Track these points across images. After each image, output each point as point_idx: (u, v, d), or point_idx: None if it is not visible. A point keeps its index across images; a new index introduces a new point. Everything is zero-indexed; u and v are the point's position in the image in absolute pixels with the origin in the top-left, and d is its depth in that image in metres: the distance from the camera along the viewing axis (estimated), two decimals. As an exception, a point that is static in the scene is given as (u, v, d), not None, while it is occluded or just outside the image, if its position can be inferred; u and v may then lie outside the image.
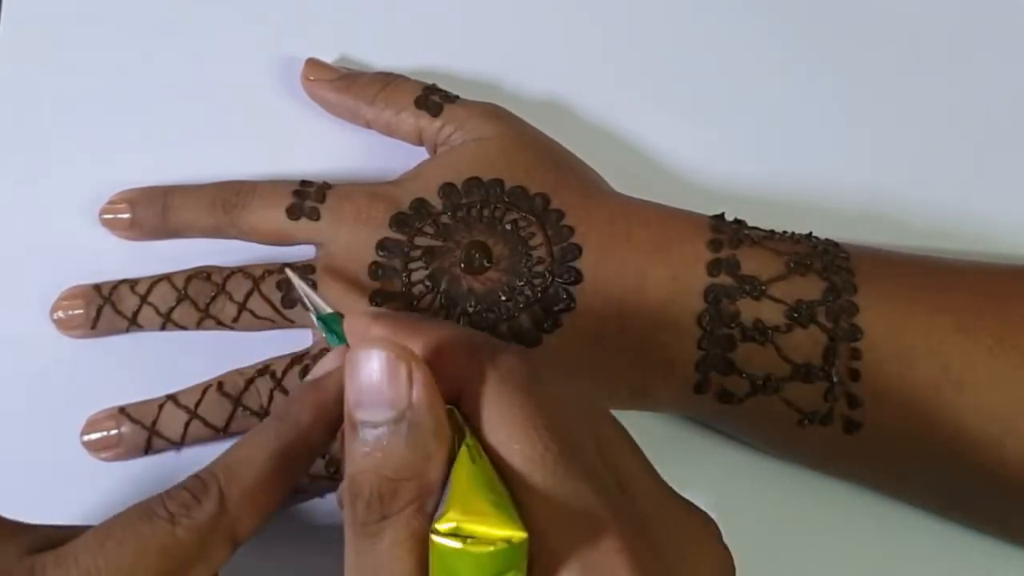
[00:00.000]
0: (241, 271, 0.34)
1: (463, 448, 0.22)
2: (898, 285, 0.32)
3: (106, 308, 0.34)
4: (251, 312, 0.34)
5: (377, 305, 0.33)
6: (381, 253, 0.33)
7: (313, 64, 0.37)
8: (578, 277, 0.32)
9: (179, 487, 0.24)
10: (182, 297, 0.34)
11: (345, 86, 0.36)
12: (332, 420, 0.25)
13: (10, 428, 0.35)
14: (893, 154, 0.38)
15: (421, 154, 0.36)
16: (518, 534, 0.20)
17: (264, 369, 0.33)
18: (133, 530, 0.23)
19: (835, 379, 0.30)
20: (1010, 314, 0.31)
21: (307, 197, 0.34)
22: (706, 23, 0.40)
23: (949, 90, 0.39)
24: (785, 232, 0.33)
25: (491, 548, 0.20)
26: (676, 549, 0.23)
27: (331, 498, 0.34)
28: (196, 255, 0.35)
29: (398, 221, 0.33)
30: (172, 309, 0.34)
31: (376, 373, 0.21)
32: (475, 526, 0.20)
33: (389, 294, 0.33)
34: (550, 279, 0.32)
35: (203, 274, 0.34)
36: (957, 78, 0.39)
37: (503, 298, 0.32)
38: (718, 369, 0.31)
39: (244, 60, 0.39)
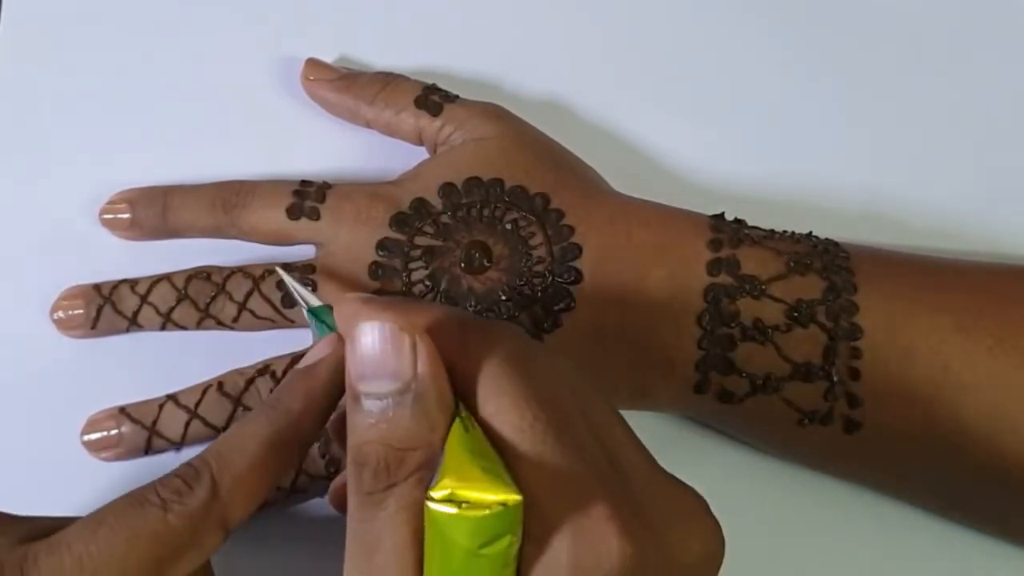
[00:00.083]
0: (241, 271, 0.34)
1: (456, 420, 0.22)
2: (898, 285, 0.32)
3: (106, 308, 0.34)
4: (251, 312, 0.34)
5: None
6: (381, 253, 0.33)
7: (313, 64, 0.37)
8: (578, 277, 0.32)
9: (171, 475, 0.24)
10: (182, 297, 0.34)
11: (345, 86, 0.36)
12: (323, 407, 0.26)
13: (10, 428, 0.35)
14: (893, 154, 0.38)
15: (421, 154, 0.36)
16: (513, 497, 0.20)
17: (264, 369, 0.33)
18: (125, 517, 0.23)
19: (835, 378, 0.30)
20: (1010, 314, 0.31)
21: (307, 197, 0.34)
22: (706, 23, 0.40)
23: (949, 90, 0.39)
24: (785, 232, 0.33)
25: (486, 512, 0.20)
26: (665, 519, 0.23)
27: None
28: (196, 255, 0.35)
29: (398, 221, 0.33)
30: (172, 309, 0.34)
31: (379, 345, 0.22)
32: (470, 491, 0.20)
33: (389, 294, 0.33)
34: (550, 279, 0.32)
35: (203, 274, 0.34)
36: (957, 78, 0.39)
37: (503, 298, 0.32)
38: (718, 369, 0.31)
39: (244, 60, 0.39)
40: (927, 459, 0.31)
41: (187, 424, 0.33)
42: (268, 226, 0.34)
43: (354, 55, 0.39)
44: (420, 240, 0.33)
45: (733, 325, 0.31)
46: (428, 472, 0.22)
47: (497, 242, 0.33)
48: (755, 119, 0.39)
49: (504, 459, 0.21)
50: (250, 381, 0.33)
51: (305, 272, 0.34)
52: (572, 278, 0.32)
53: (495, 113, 0.35)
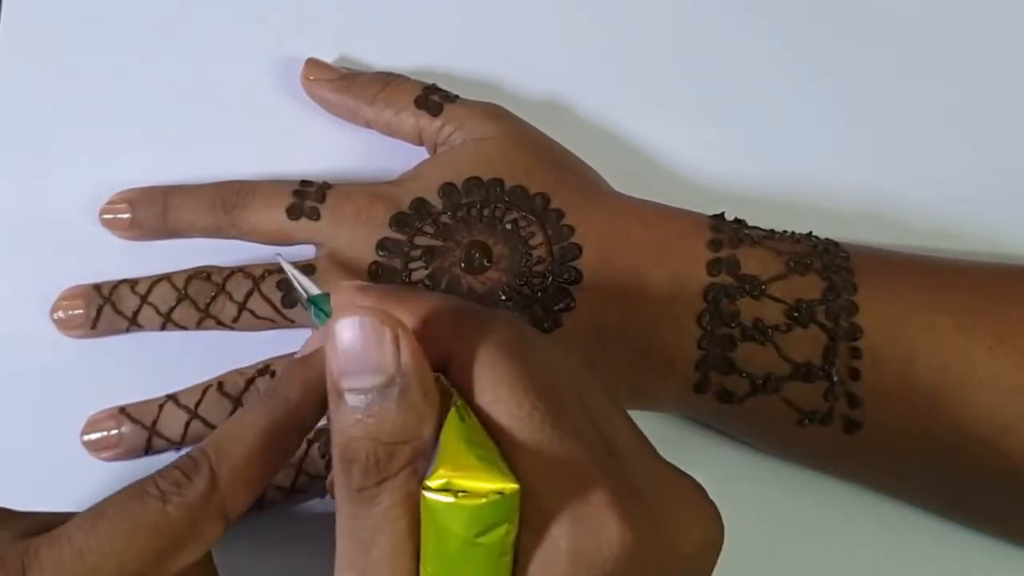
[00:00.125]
0: (241, 271, 0.34)
1: (452, 410, 0.22)
2: (898, 284, 0.32)
3: (106, 308, 0.34)
4: (251, 312, 0.34)
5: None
6: (381, 253, 0.33)
7: (313, 64, 0.37)
8: (578, 277, 0.32)
9: (170, 466, 0.24)
10: (182, 297, 0.34)
11: (345, 86, 0.36)
12: (321, 396, 0.25)
13: (10, 428, 0.35)
14: (893, 154, 0.38)
15: (421, 154, 0.36)
16: (510, 486, 0.20)
17: (264, 369, 0.33)
18: (125, 510, 0.23)
19: (835, 378, 0.30)
20: (1010, 314, 0.31)
21: (307, 197, 0.34)
22: (706, 23, 0.40)
23: (949, 90, 0.39)
24: (785, 232, 0.33)
25: (483, 501, 0.20)
26: (664, 505, 0.23)
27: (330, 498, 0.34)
28: (196, 255, 0.35)
29: (398, 221, 0.33)
30: (172, 309, 0.34)
31: (360, 340, 0.21)
32: (466, 480, 0.20)
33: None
34: (550, 279, 0.32)
35: (203, 274, 0.34)
36: (957, 78, 0.39)
37: (503, 298, 0.32)
38: (718, 369, 0.31)
39: (244, 60, 0.39)
40: (927, 459, 0.31)
41: (187, 424, 0.33)
42: (268, 226, 0.34)
43: (354, 55, 0.39)
44: (420, 240, 0.33)
45: (733, 325, 0.31)
46: (420, 464, 0.21)
47: (497, 242, 0.33)
48: (755, 119, 0.39)
49: (501, 447, 0.21)
50: (250, 381, 0.33)
51: (305, 272, 0.34)
52: (572, 278, 0.32)
53: (495, 113, 0.35)
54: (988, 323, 0.31)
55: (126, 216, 0.35)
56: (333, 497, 0.29)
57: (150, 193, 0.36)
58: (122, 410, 0.33)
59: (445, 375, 0.23)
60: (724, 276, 0.32)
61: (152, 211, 0.35)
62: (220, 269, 0.35)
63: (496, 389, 0.22)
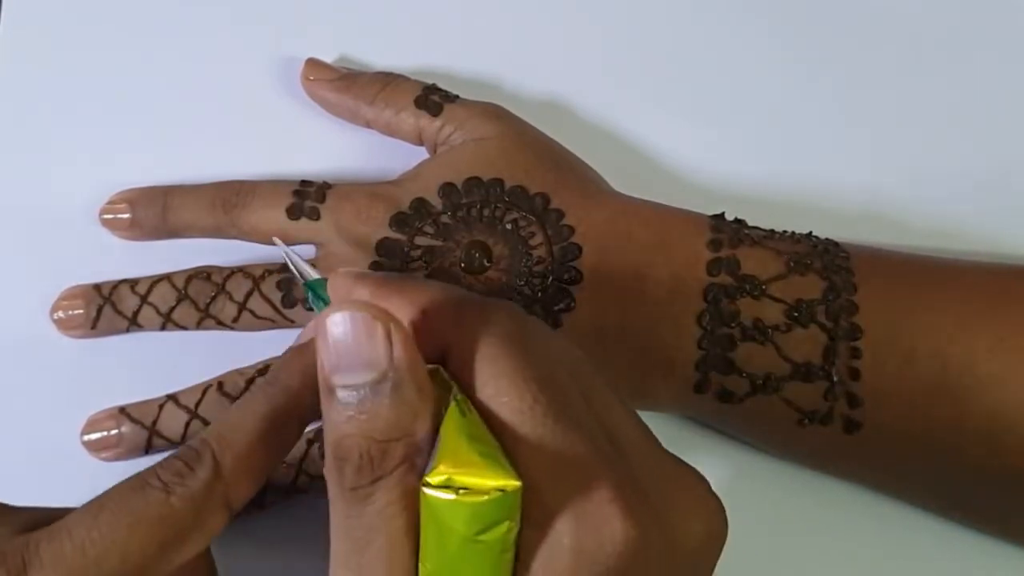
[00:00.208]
0: (241, 271, 0.34)
1: (452, 404, 0.22)
2: (898, 285, 0.32)
3: (106, 308, 0.34)
4: (251, 312, 0.34)
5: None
6: (381, 253, 0.33)
7: (313, 64, 0.37)
8: (578, 277, 0.32)
9: (172, 456, 0.24)
10: (182, 297, 0.34)
11: (345, 86, 0.36)
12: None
13: (10, 428, 0.35)
14: (893, 154, 0.38)
15: (421, 154, 0.36)
16: (512, 483, 0.20)
17: (264, 369, 0.33)
18: (127, 501, 0.23)
19: (835, 378, 0.30)
20: (1010, 314, 0.31)
21: (307, 197, 0.34)
22: (706, 23, 0.40)
23: (949, 90, 0.39)
24: (785, 232, 0.33)
25: (485, 497, 0.20)
26: (667, 498, 0.23)
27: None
28: (196, 255, 0.35)
29: (398, 221, 0.33)
30: (172, 309, 0.34)
31: (352, 335, 0.21)
32: (467, 477, 0.20)
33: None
34: (550, 279, 0.32)
35: (203, 274, 0.34)
36: (957, 78, 0.39)
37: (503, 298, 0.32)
38: (718, 369, 0.31)
39: (244, 60, 0.39)
40: (927, 459, 0.31)
41: (187, 424, 0.33)
42: (268, 226, 0.34)
43: (354, 55, 0.39)
44: (420, 240, 0.33)
45: (733, 325, 0.31)
46: (416, 461, 0.21)
47: (497, 242, 0.33)
48: (755, 119, 0.39)
49: (503, 442, 0.21)
50: (250, 381, 0.33)
51: (305, 271, 0.34)
52: (572, 278, 0.32)
53: (495, 113, 0.35)
54: (988, 323, 0.31)
55: (126, 216, 0.35)
56: None
57: (150, 193, 0.36)
58: (122, 410, 0.33)
59: (445, 367, 0.23)
60: (724, 276, 0.32)
61: (152, 211, 0.35)
62: (220, 269, 0.35)
63: (497, 383, 0.22)
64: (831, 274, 0.31)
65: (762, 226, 0.34)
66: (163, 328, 0.34)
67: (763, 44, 0.40)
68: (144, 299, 0.34)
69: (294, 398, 0.24)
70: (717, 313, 0.31)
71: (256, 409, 0.24)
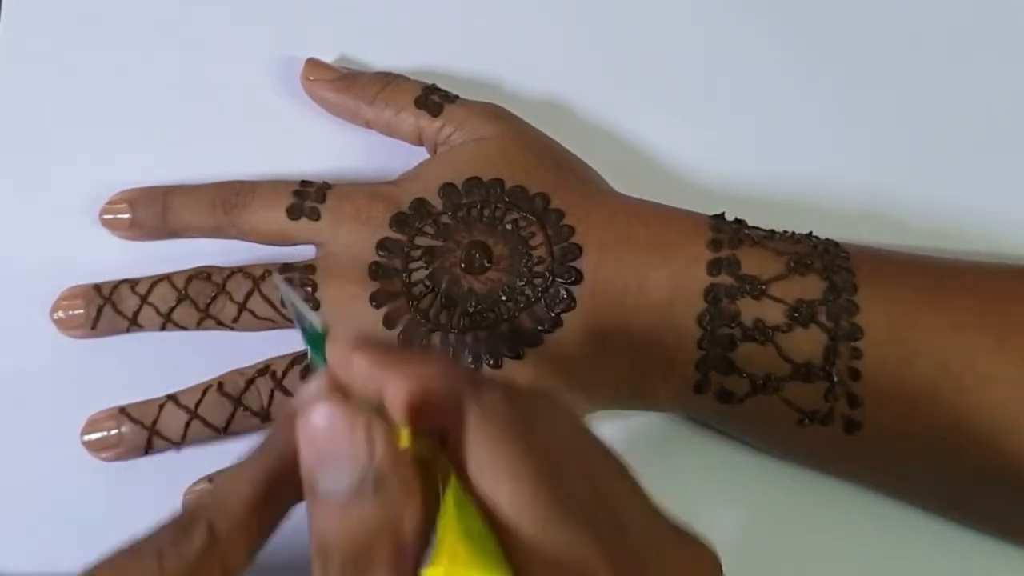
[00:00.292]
0: (241, 271, 0.34)
1: (448, 493, 0.21)
2: (898, 285, 0.32)
3: (106, 308, 0.34)
4: (251, 312, 0.34)
5: (377, 305, 0.33)
6: (381, 253, 0.33)
7: (313, 64, 0.37)
8: (578, 277, 0.32)
9: (166, 523, 0.23)
10: (182, 297, 0.34)
11: (345, 86, 0.36)
12: None
13: (10, 428, 0.35)
14: (893, 154, 0.38)
15: (421, 154, 0.36)
16: None
17: (264, 369, 0.33)
18: (120, 572, 0.23)
19: (835, 379, 0.30)
20: (1011, 313, 0.31)
21: (307, 197, 0.34)
22: (706, 23, 0.40)
23: (949, 90, 0.39)
24: (785, 232, 0.33)
25: None
26: (667, 572, 0.22)
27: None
28: (196, 255, 0.35)
29: (398, 221, 0.33)
30: (172, 309, 0.34)
31: (333, 431, 0.21)
32: (465, 574, 0.19)
33: (390, 294, 0.33)
34: (550, 279, 0.32)
35: (203, 274, 0.34)
36: (957, 78, 0.39)
37: (503, 298, 0.32)
38: (718, 369, 0.31)
39: (244, 60, 0.39)
40: (927, 459, 0.31)
41: (187, 424, 0.33)
42: (268, 226, 0.34)
43: (354, 55, 0.39)
44: (420, 240, 0.33)
45: (733, 325, 0.31)
46: (404, 558, 0.21)
47: (497, 242, 0.33)
48: (755, 119, 0.39)
49: (501, 535, 0.21)
50: (250, 381, 0.33)
51: (305, 272, 0.34)
52: (572, 278, 0.32)
53: (495, 113, 0.35)
54: (988, 323, 0.31)
55: (126, 216, 0.35)
56: None
57: (150, 193, 0.36)
58: (122, 410, 0.33)
59: (444, 445, 0.22)
60: (724, 276, 0.32)
61: (152, 211, 0.35)
62: (220, 269, 0.34)
63: (495, 472, 0.21)
64: (831, 274, 0.31)
65: (762, 226, 0.34)
66: (163, 328, 0.34)
67: (763, 44, 0.40)
68: (144, 299, 0.34)
69: (289, 463, 0.24)
70: (717, 313, 0.31)
71: (251, 474, 0.24)
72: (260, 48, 0.39)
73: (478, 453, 0.21)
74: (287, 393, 0.33)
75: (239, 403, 0.33)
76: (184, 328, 0.34)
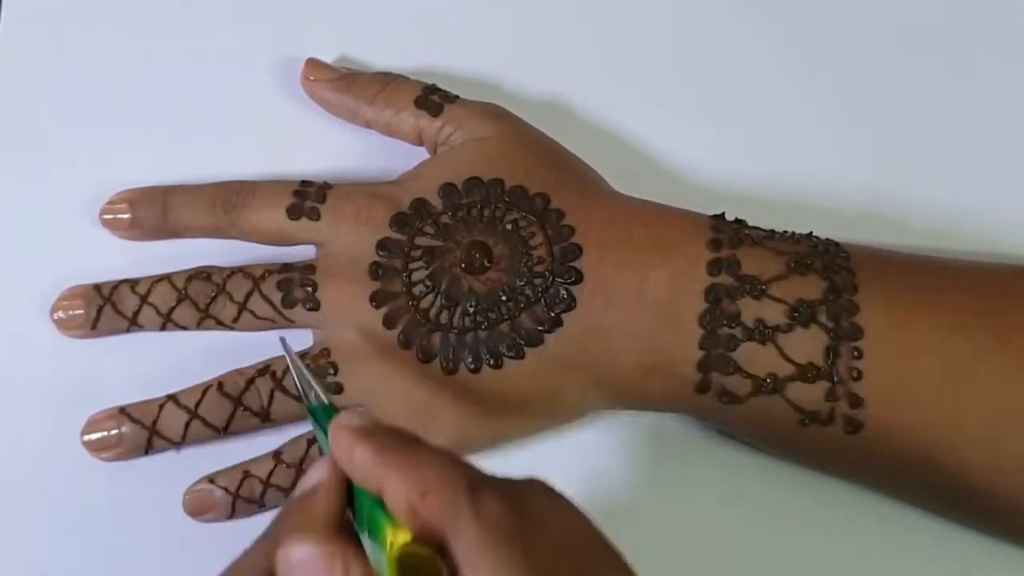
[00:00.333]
0: (241, 271, 0.34)
1: None
2: (899, 285, 0.32)
3: (106, 308, 0.34)
4: (251, 312, 0.34)
5: (377, 305, 0.33)
6: (381, 253, 0.33)
7: (313, 64, 0.37)
8: (578, 277, 0.32)
9: None
10: (182, 297, 0.34)
11: (345, 86, 0.36)
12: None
13: (10, 428, 0.35)
14: (893, 154, 0.38)
15: (421, 154, 0.36)
16: None
17: (264, 369, 0.33)
18: None
19: (836, 379, 0.30)
20: (1011, 313, 0.31)
21: (307, 197, 0.34)
22: (706, 23, 0.40)
23: (949, 90, 0.39)
24: (785, 232, 0.33)
25: None
26: None
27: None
28: (196, 255, 0.35)
29: (398, 221, 0.33)
30: (172, 309, 0.34)
31: (311, 568, 0.21)
32: None
33: (390, 294, 0.33)
34: (550, 279, 0.32)
35: (203, 274, 0.34)
36: (957, 78, 0.39)
37: (504, 298, 0.32)
38: (719, 369, 0.31)
39: (244, 60, 0.38)
40: (927, 459, 0.31)
41: (187, 424, 0.33)
42: (268, 226, 0.34)
43: (354, 55, 0.39)
44: (420, 240, 0.33)
45: (734, 325, 0.31)
46: None
47: (497, 242, 0.33)
48: (755, 119, 0.39)
49: None
50: (250, 381, 0.33)
51: (305, 272, 0.34)
52: (572, 278, 0.32)
53: (495, 113, 0.35)
54: (989, 322, 0.31)
55: (126, 216, 0.35)
56: None
57: (150, 193, 0.36)
58: (122, 410, 0.33)
59: (444, 551, 0.22)
60: (724, 276, 0.31)
61: (152, 211, 0.35)
62: (220, 269, 0.34)
63: None
64: (832, 274, 0.31)
65: (762, 226, 0.34)
66: (163, 328, 0.34)
67: (763, 44, 0.40)
68: (144, 299, 0.34)
69: None
70: (718, 313, 0.31)
71: (256, 567, 0.24)
72: (260, 48, 0.39)
73: (476, 566, 0.21)
74: (287, 393, 0.33)
75: (239, 403, 0.33)
76: (184, 328, 0.34)
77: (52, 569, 0.34)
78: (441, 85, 0.36)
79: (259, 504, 0.33)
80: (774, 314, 0.31)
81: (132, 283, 0.34)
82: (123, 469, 0.34)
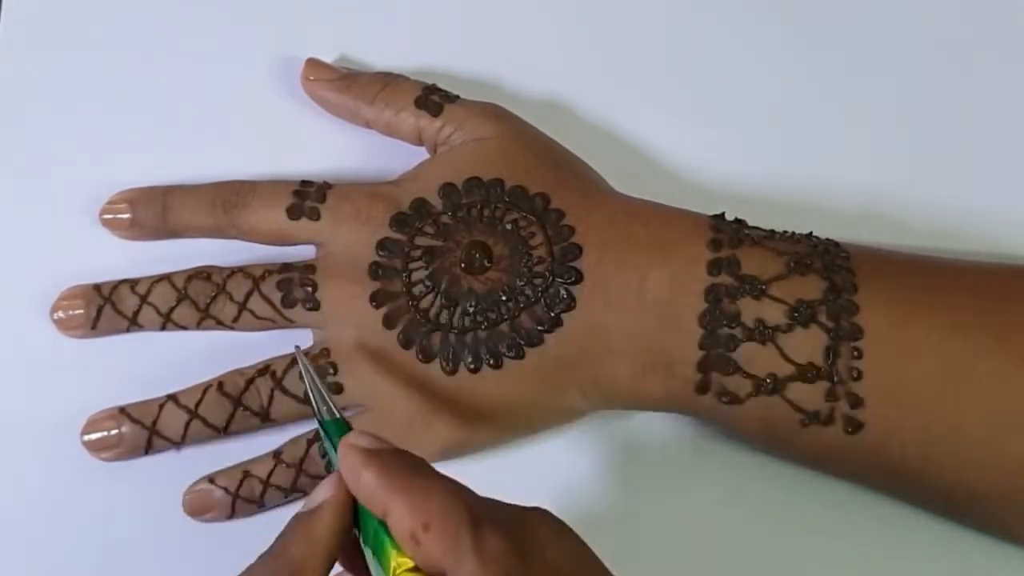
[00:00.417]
0: (241, 271, 0.34)
1: None
2: (899, 285, 0.32)
3: (106, 308, 0.34)
4: (251, 312, 0.34)
5: (377, 305, 0.33)
6: (381, 253, 0.33)
7: (313, 64, 0.37)
8: (578, 277, 0.32)
9: None
10: (182, 297, 0.34)
11: (345, 86, 0.36)
12: (328, 551, 0.24)
13: (10, 428, 0.35)
14: (893, 154, 0.38)
15: (421, 154, 0.36)
16: None
17: (264, 369, 0.33)
18: None
19: (836, 379, 0.30)
20: (1011, 313, 0.31)
21: (307, 197, 0.34)
22: (706, 23, 0.40)
23: (949, 90, 0.39)
24: (785, 232, 0.33)
25: None
26: None
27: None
28: (196, 255, 0.35)
29: (398, 221, 0.33)
30: (172, 309, 0.34)
31: None
32: None
33: (390, 294, 0.33)
34: (550, 279, 0.32)
35: (203, 274, 0.34)
36: (957, 78, 0.39)
37: (504, 298, 0.32)
38: (719, 369, 0.31)
39: (244, 60, 0.38)
40: (927, 459, 0.31)
41: (187, 424, 0.33)
42: (268, 226, 0.34)
43: (354, 55, 0.39)
44: (420, 240, 0.33)
45: (734, 325, 0.31)
46: None
47: (497, 242, 0.33)
48: (755, 119, 0.39)
49: None
50: (250, 381, 0.33)
51: (305, 272, 0.34)
52: (572, 278, 0.32)
53: (495, 113, 0.35)
54: (989, 322, 0.31)
55: (126, 216, 0.35)
56: None
57: (150, 193, 0.36)
58: (122, 410, 0.33)
59: None
60: (724, 276, 0.31)
61: (152, 211, 0.35)
62: (220, 269, 0.34)
63: None
64: (832, 274, 0.31)
65: (762, 226, 0.34)
66: (163, 328, 0.34)
67: (763, 44, 0.40)
68: (144, 299, 0.34)
69: (298, 570, 0.24)
70: (718, 313, 0.31)
71: None
72: (260, 48, 0.39)
73: None
74: (287, 393, 0.33)
75: (239, 403, 0.33)
76: (184, 328, 0.34)
77: (52, 569, 0.34)
78: (441, 85, 0.36)
79: (259, 504, 0.33)
80: (774, 314, 0.31)
81: (132, 283, 0.34)
82: (123, 469, 0.34)
